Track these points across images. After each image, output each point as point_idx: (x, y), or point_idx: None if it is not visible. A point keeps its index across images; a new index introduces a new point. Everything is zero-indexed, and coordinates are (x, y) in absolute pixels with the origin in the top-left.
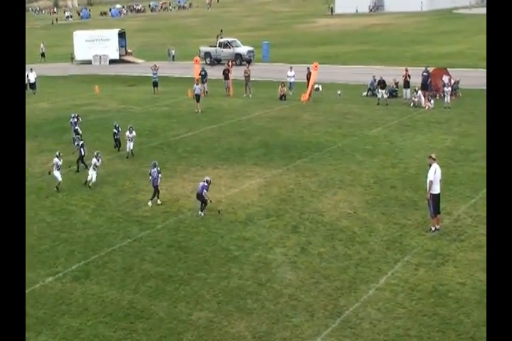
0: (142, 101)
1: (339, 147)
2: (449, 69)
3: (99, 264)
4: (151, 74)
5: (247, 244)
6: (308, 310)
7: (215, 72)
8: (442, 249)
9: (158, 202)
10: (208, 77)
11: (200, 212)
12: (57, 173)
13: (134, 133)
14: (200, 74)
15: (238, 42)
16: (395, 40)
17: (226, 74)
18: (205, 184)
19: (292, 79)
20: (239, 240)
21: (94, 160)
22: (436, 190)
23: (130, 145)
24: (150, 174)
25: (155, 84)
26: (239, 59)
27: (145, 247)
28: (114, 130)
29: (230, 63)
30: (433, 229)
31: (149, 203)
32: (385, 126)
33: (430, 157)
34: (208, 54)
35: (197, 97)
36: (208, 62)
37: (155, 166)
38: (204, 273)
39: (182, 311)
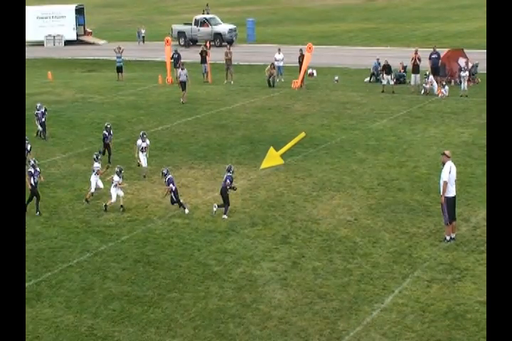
0: (104, 90)
1: (337, 143)
2: (465, 51)
3: (53, 283)
4: (115, 58)
5: (228, 258)
6: (301, 335)
7: (190, 55)
8: (459, 261)
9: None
10: (182, 61)
11: (223, 214)
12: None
13: (147, 141)
14: (172, 58)
15: (218, 19)
16: (402, 17)
17: (203, 57)
18: (230, 174)
19: (281, 63)
20: (219, 253)
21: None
22: (451, 192)
23: (144, 160)
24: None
25: (119, 70)
26: (218, 39)
27: (108, 262)
28: (105, 132)
29: (208, 44)
30: (448, 238)
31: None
32: (391, 117)
33: (444, 154)
34: (181, 33)
35: (182, 85)
36: (182, 43)
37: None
38: (178, 292)
39: (151, 338)
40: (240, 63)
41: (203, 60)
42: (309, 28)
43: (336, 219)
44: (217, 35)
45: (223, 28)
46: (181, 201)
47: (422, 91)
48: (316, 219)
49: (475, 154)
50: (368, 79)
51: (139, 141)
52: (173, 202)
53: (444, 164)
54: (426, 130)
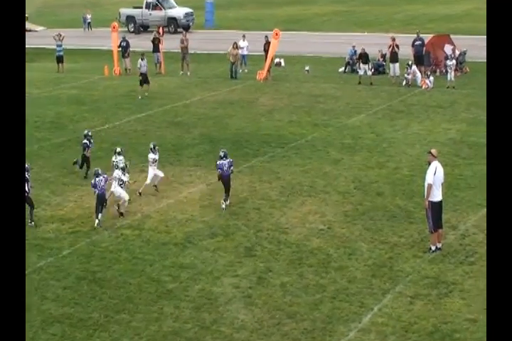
0: (42, 83)
1: (308, 141)
2: (452, 37)
3: None
4: (54, 47)
5: (185, 274)
6: None
7: (140, 43)
8: (446, 275)
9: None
10: (131, 50)
11: (222, 203)
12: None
13: (158, 154)
14: (119, 46)
15: (172, 1)
16: None
17: (156, 45)
18: (229, 159)
19: (245, 52)
20: (174, 268)
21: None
22: (436, 196)
23: (156, 174)
24: (94, 185)
25: (59, 60)
26: (173, 24)
27: (47, 280)
28: (85, 141)
29: (161, 30)
30: (433, 248)
31: (96, 221)
32: (370, 112)
33: (429, 153)
34: (131, 18)
35: (144, 77)
36: (132, 30)
37: (98, 175)
38: (127, 314)
39: None
40: (198, 52)
41: (156, 49)
42: (276, 11)
43: (307, 227)
44: (172, 20)
45: (178, 11)
46: (101, 210)
47: (404, 83)
48: (284, 228)
49: (463, 153)
50: (342, 69)
51: (151, 154)
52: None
53: (429, 164)
54: (408, 126)
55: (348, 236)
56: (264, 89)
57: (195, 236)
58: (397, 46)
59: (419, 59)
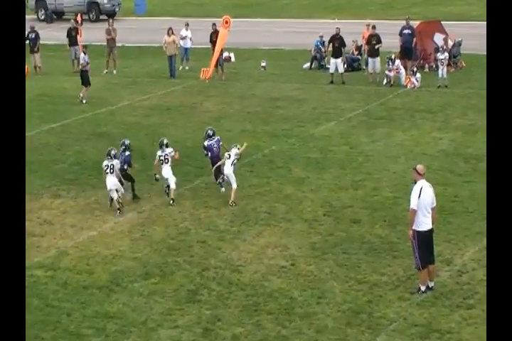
0: None
1: (265, 156)
2: (444, 23)
3: None
4: None
5: (112, 325)
6: None
7: (53, 34)
8: (439, 321)
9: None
10: (42, 43)
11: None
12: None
13: (168, 150)
14: (27, 38)
15: None
16: None
17: (73, 37)
18: (218, 139)
19: (189, 44)
20: (98, 319)
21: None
22: (423, 224)
23: (171, 180)
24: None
25: None
26: (94, 11)
27: None
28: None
29: (79, 18)
30: (423, 288)
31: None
32: (342, 118)
33: (415, 169)
34: (41, 3)
35: (85, 75)
36: (42, 18)
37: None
38: None
39: None
40: (126, 45)
41: (73, 42)
42: None
43: (264, 264)
44: (93, 5)
45: None
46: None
47: (385, 81)
48: (236, 265)
49: (458, 168)
50: (307, 64)
51: (159, 151)
52: None
53: (415, 183)
54: (390, 136)
55: (317, 274)
56: (210, 90)
57: (124, 278)
58: (374, 36)
59: (407, 52)
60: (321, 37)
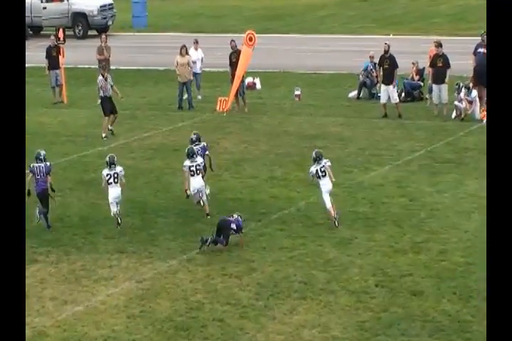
0: None
1: (300, 210)
2: None
3: None
4: None
5: None
6: None
7: (29, 55)
8: None
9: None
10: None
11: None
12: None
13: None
14: None
15: None
16: None
17: (53, 57)
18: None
19: (198, 68)
20: None
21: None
22: None
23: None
24: None
25: None
26: (81, 25)
27: None
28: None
29: (62, 34)
30: None
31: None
32: (398, 162)
33: None
34: None
35: (107, 103)
36: None
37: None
38: None
39: None
40: (121, 67)
41: (53, 64)
42: (245, 2)
43: None
44: (79, 18)
45: (90, 3)
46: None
47: (454, 115)
48: None
49: None
50: (354, 93)
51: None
52: None
53: None
54: (460, 184)
55: None
56: (229, 126)
57: None
58: (441, 56)
59: (482, 76)
60: (372, 57)
